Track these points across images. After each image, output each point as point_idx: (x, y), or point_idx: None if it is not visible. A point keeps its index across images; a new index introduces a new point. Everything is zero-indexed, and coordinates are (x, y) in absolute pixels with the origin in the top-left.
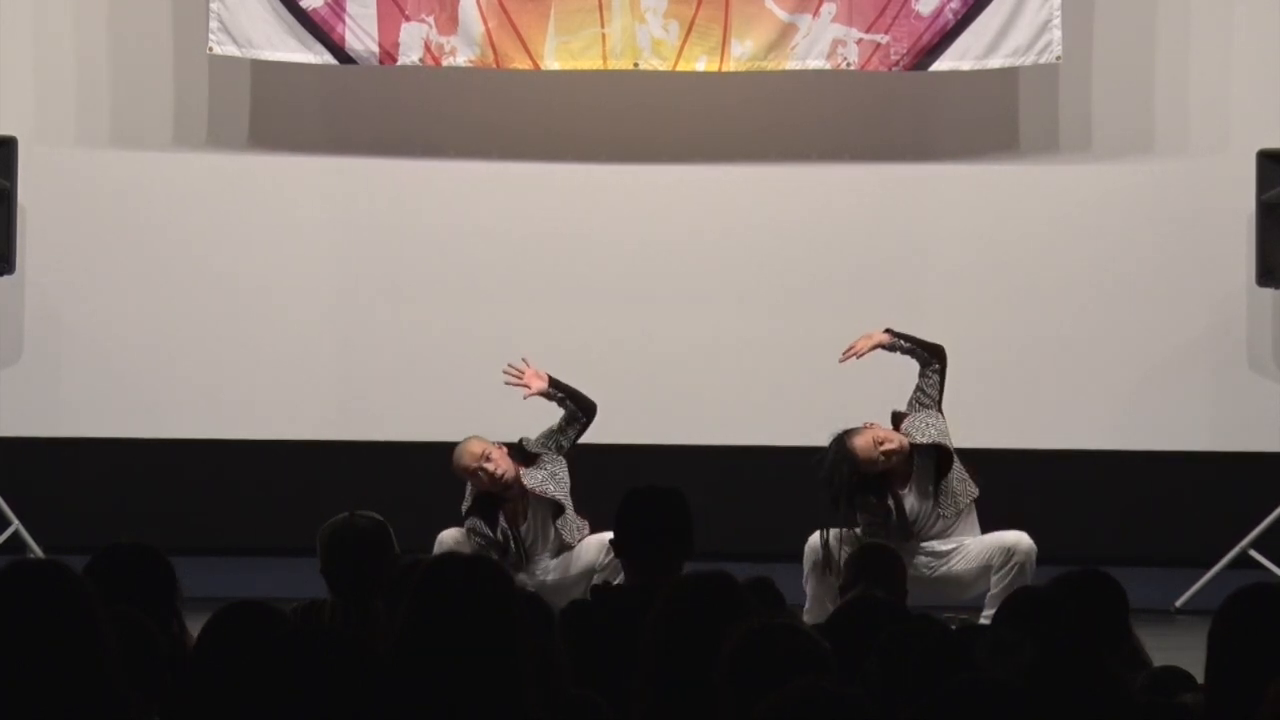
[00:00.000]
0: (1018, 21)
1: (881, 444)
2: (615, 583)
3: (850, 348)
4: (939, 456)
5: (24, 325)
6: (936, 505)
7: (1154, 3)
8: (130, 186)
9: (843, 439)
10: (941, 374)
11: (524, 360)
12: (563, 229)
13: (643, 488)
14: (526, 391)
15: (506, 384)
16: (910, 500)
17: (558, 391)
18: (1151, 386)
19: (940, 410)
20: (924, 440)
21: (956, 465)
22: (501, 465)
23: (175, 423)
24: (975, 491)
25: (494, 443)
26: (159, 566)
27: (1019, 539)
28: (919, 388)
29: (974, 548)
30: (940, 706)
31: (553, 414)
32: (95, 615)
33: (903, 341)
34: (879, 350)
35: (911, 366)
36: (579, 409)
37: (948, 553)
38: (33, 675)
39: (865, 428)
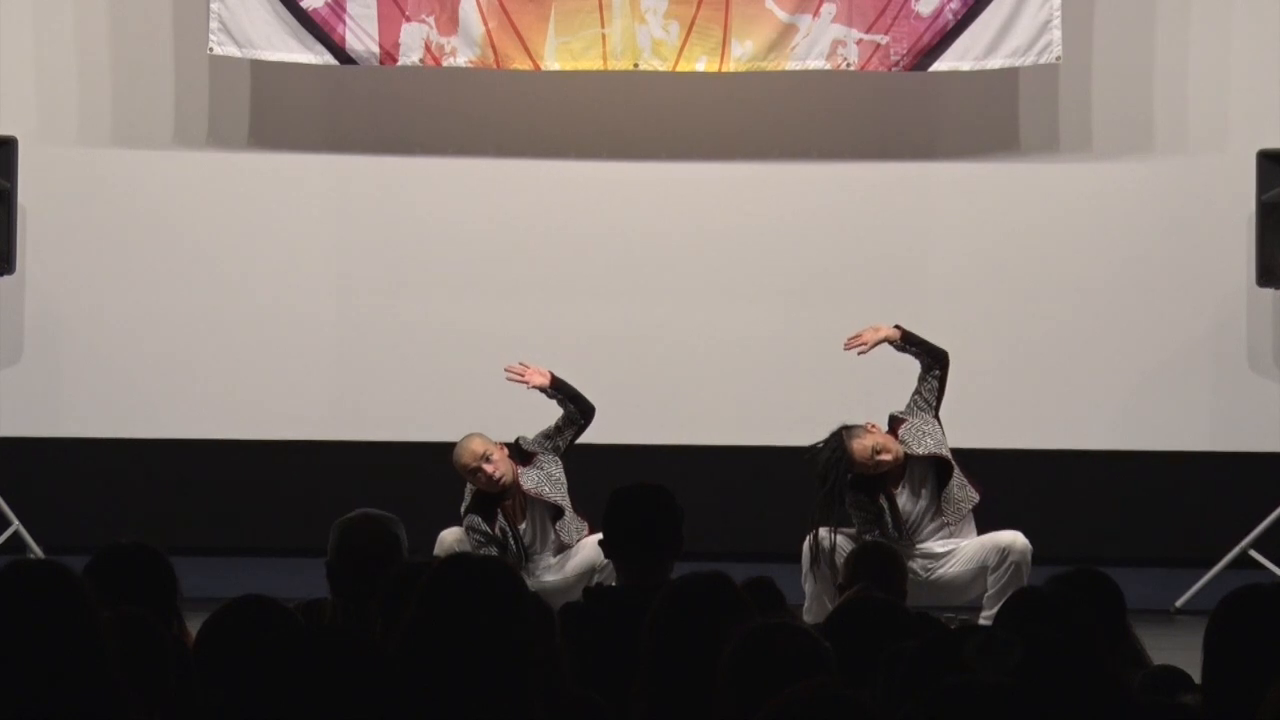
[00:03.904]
0: (1018, 22)
1: (879, 454)
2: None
3: (858, 336)
4: (939, 465)
5: (24, 325)
6: (940, 513)
7: (1154, 3)
8: (130, 186)
9: (842, 438)
10: (942, 380)
11: (522, 363)
12: (563, 228)
13: (629, 486)
14: (528, 385)
15: (508, 379)
16: (904, 500)
17: (558, 392)
18: (1151, 386)
19: (937, 416)
20: (921, 451)
21: (957, 473)
22: (500, 468)
23: (175, 423)
24: (976, 497)
25: (496, 443)
26: (159, 566)
27: (1014, 539)
28: (918, 391)
29: (969, 549)
30: (929, 709)
31: (551, 414)
32: (95, 615)
33: (910, 346)
34: (884, 346)
35: (913, 370)
36: (578, 410)
37: (944, 555)
38: (32, 675)
39: (867, 430)
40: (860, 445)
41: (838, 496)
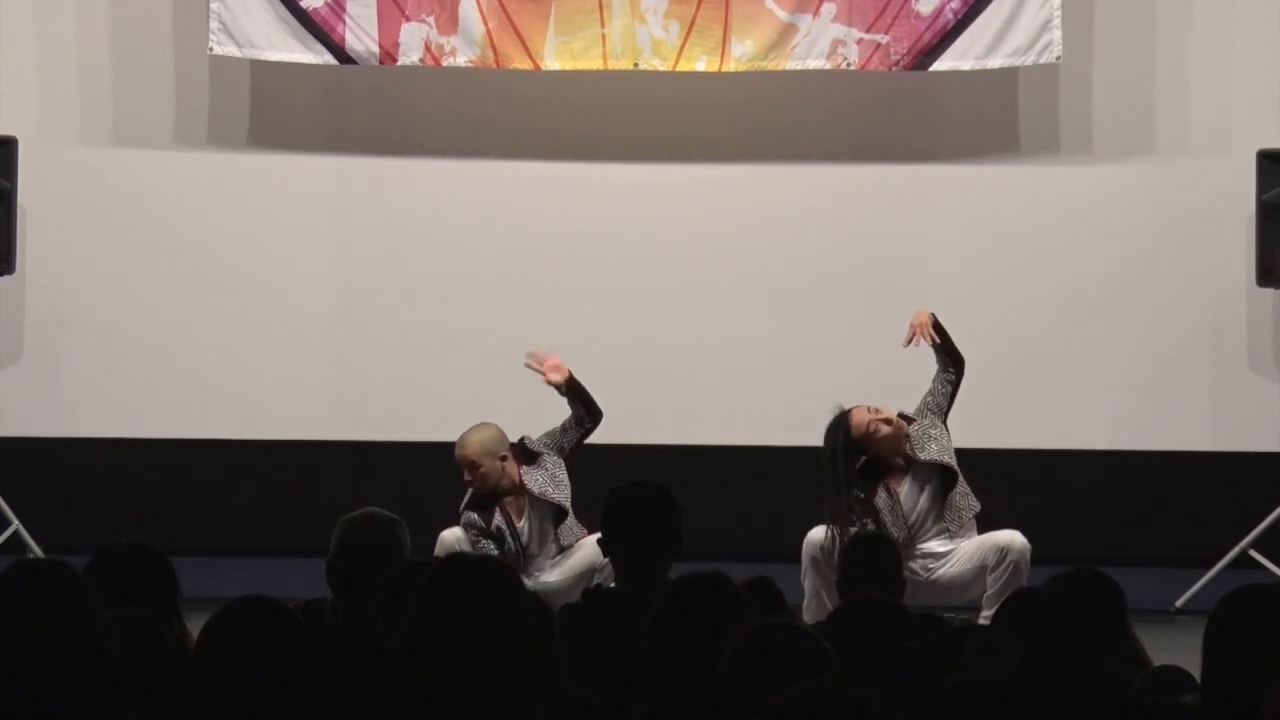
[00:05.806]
0: (1018, 21)
1: (879, 419)
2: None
3: (912, 334)
4: (944, 471)
5: (24, 325)
6: (941, 517)
7: (1154, 3)
8: (130, 186)
9: (844, 410)
10: (955, 385)
11: (546, 353)
12: (562, 228)
13: (628, 485)
14: (544, 379)
15: (527, 366)
16: (907, 491)
17: (572, 393)
18: (1152, 386)
19: (945, 422)
20: (925, 458)
21: (961, 480)
22: (488, 481)
23: (175, 423)
24: (978, 506)
25: (506, 444)
26: (159, 566)
27: (1012, 537)
28: (931, 391)
29: (968, 548)
30: (929, 709)
31: (551, 417)
32: (96, 616)
33: (935, 343)
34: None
35: (917, 372)
36: (587, 413)
37: (944, 555)
38: (34, 675)
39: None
40: (859, 410)
41: (841, 460)
